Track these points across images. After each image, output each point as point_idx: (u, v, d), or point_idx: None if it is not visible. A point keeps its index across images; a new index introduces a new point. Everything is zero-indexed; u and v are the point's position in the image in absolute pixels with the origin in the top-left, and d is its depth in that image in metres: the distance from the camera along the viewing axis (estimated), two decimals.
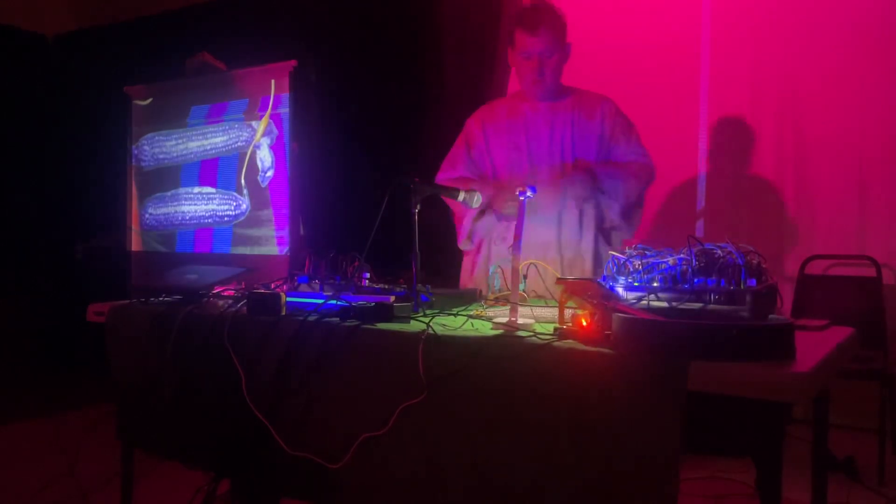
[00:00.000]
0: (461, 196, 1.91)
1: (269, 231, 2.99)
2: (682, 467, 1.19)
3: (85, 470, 2.95)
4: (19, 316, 5.26)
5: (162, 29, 5.06)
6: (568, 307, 1.44)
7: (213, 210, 3.23)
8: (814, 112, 3.46)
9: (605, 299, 1.35)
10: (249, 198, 3.08)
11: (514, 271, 1.54)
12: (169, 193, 3.42)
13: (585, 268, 2.35)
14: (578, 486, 1.26)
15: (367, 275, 1.84)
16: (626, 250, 1.52)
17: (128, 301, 2.08)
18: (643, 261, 1.45)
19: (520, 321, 1.49)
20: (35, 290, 5.40)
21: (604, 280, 1.48)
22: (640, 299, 1.41)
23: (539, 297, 1.82)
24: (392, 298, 1.66)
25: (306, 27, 4.42)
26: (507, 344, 1.39)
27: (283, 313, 1.72)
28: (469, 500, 1.39)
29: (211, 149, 3.26)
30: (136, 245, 3.54)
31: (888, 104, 3.30)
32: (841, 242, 3.40)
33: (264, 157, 3.03)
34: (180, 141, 3.39)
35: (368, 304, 1.62)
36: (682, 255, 1.38)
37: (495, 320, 1.53)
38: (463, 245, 2.53)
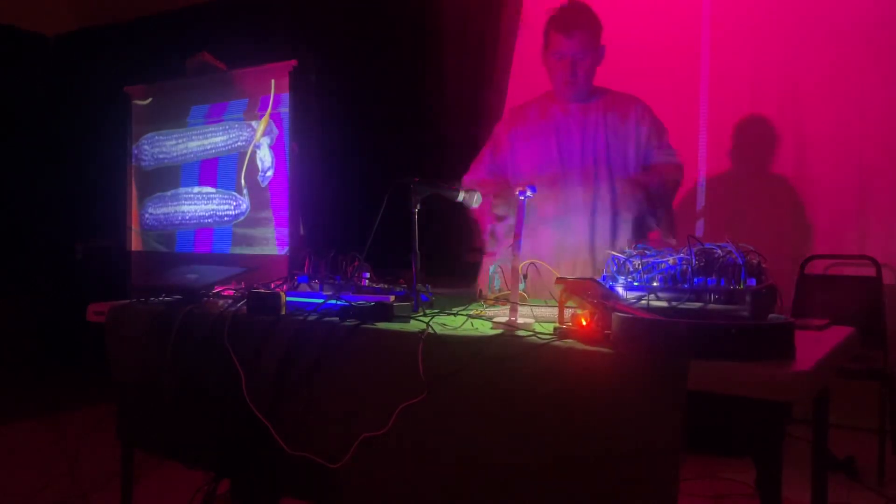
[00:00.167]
0: (461, 196, 1.91)
1: (269, 231, 2.99)
2: (682, 467, 1.19)
3: (85, 470, 2.95)
4: (19, 316, 5.27)
5: (162, 29, 5.06)
6: (568, 307, 1.44)
7: (213, 210, 3.23)
8: (814, 112, 3.46)
9: (604, 299, 1.35)
10: (249, 198, 3.08)
11: (514, 271, 1.54)
12: (169, 193, 3.42)
13: None
14: (578, 486, 1.26)
15: (367, 274, 1.84)
16: (626, 250, 1.52)
17: (128, 301, 2.08)
18: (643, 260, 1.45)
19: (519, 321, 1.49)
20: (35, 290, 5.40)
21: (603, 279, 1.48)
22: (639, 299, 1.41)
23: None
24: (392, 298, 1.66)
25: (306, 27, 4.42)
26: (507, 343, 1.39)
27: (283, 313, 1.72)
28: (469, 500, 1.39)
29: (211, 148, 3.26)
30: (136, 245, 3.55)
31: (888, 104, 3.30)
32: (841, 242, 3.40)
33: (264, 156, 3.03)
34: (180, 141, 3.39)
35: (368, 304, 1.62)
36: (681, 255, 1.38)
37: (495, 320, 1.53)
38: (489, 247, 2.53)
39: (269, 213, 3.01)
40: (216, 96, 3.24)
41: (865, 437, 2.97)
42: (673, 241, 2.33)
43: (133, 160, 3.56)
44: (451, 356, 1.40)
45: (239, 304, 1.82)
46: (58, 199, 5.54)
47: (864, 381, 2.89)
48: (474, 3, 4.04)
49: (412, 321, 1.60)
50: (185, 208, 3.35)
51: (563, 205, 2.36)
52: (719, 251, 1.36)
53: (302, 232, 2.91)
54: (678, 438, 1.16)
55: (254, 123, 3.08)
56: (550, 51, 2.33)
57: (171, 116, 3.41)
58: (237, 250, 3.10)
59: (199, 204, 3.29)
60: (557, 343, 1.33)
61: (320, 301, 1.71)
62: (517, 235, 1.58)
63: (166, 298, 2.04)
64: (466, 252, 4.27)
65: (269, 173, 3.01)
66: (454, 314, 1.65)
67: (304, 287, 1.88)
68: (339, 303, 1.66)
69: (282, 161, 2.98)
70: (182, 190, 3.37)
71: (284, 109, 2.98)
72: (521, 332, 1.43)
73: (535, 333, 1.40)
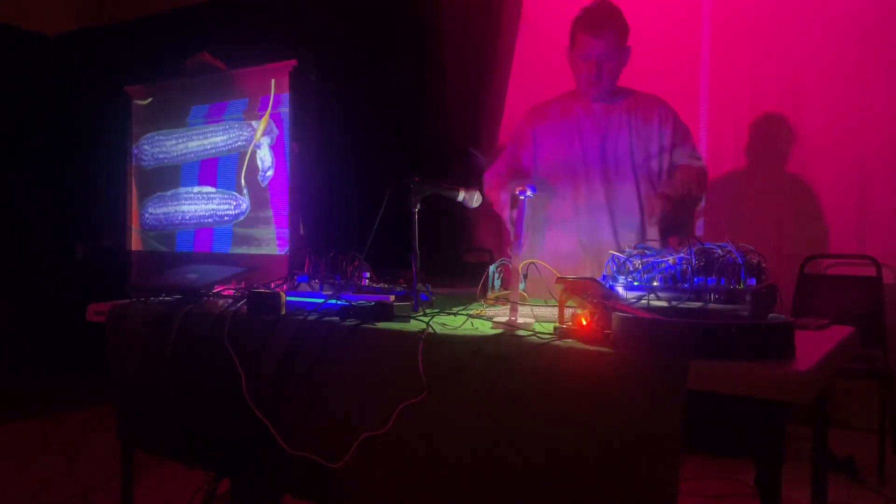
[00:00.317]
0: (461, 196, 1.91)
1: (269, 231, 2.99)
2: (682, 467, 1.18)
3: (85, 470, 2.95)
4: (19, 316, 5.27)
5: (162, 29, 5.06)
6: (568, 306, 1.44)
7: (213, 210, 3.23)
8: (814, 112, 3.46)
9: (604, 298, 1.35)
10: (249, 197, 3.08)
11: (514, 271, 1.54)
12: (169, 193, 3.42)
13: None
14: (578, 486, 1.26)
15: (367, 274, 1.84)
16: (626, 249, 1.52)
17: (128, 301, 2.08)
18: (643, 260, 1.45)
19: (520, 320, 1.49)
20: (35, 289, 5.41)
21: (604, 279, 1.48)
22: (640, 298, 1.41)
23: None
24: (392, 298, 1.66)
25: (306, 27, 4.41)
26: (507, 343, 1.39)
27: (283, 313, 1.72)
28: (469, 499, 1.39)
29: (211, 148, 3.26)
30: (136, 245, 3.55)
31: (888, 104, 3.30)
32: (841, 242, 3.40)
33: (264, 156, 3.03)
34: (180, 140, 3.39)
35: (368, 304, 1.62)
36: (682, 255, 1.38)
37: (495, 319, 1.53)
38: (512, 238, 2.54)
39: (269, 213, 3.01)
40: (216, 96, 3.24)
41: (865, 437, 2.97)
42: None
43: (133, 160, 3.56)
44: (452, 356, 1.40)
45: (239, 304, 1.82)
46: (58, 199, 5.54)
47: (864, 381, 2.89)
48: (474, 3, 4.04)
49: (412, 321, 1.60)
50: (185, 208, 3.35)
51: (585, 204, 2.37)
52: (719, 251, 1.36)
53: (302, 232, 2.91)
54: (678, 438, 1.16)
55: (254, 123, 3.08)
56: (576, 51, 2.33)
57: (171, 116, 3.41)
58: (237, 250, 3.10)
59: (199, 204, 3.29)
60: (557, 343, 1.33)
61: (320, 301, 1.71)
62: (517, 235, 1.58)
63: (166, 298, 2.04)
64: (466, 252, 4.27)
65: (269, 173, 3.01)
66: (454, 314, 1.65)
67: (304, 287, 1.88)
68: (339, 302, 1.66)
69: (282, 161, 2.98)
70: (182, 190, 3.37)
71: (284, 109, 2.98)
72: (521, 332, 1.43)
73: (536, 333, 1.40)
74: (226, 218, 3.17)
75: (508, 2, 4.00)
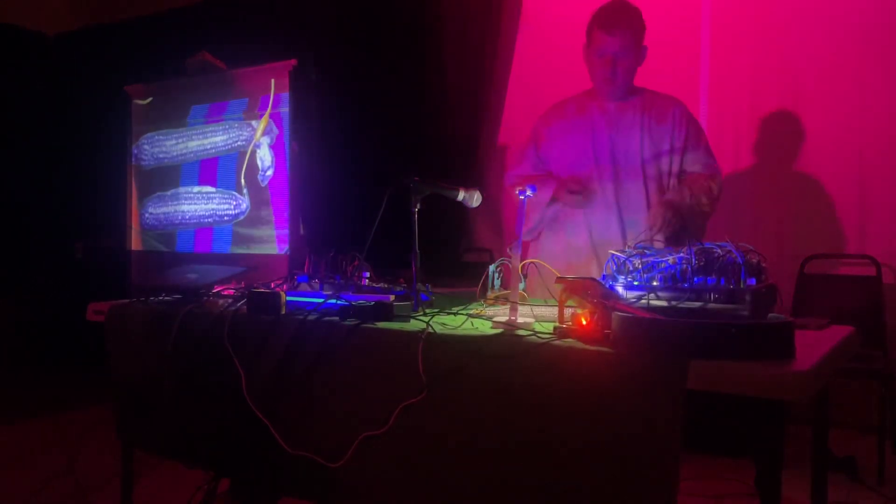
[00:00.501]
0: (461, 195, 1.91)
1: (269, 230, 2.99)
2: (682, 467, 1.19)
3: (85, 470, 2.95)
4: (19, 315, 5.26)
5: (162, 29, 5.06)
6: (568, 306, 1.44)
7: (213, 209, 3.23)
8: (814, 111, 3.46)
9: (604, 298, 1.35)
10: (249, 197, 3.08)
11: (514, 270, 1.54)
12: (169, 193, 3.42)
13: None
14: (578, 485, 1.26)
15: (367, 274, 1.84)
16: (626, 249, 1.52)
17: (128, 300, 2.08)
18: (643, 260, 1.45)
19: (519, 320, 1.49)
20: (35, 289, 5.40)
21: (603, 279, 1.48)
22: (639, 298, 1.41)
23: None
24: (392, 297, 1.66)
25: (306, 26, 4.42)
26: (507, 343, 1.39)
27: (283, 312, 1.72)
28: (469, 499, 1.39)
29: (211, 148, 3.26)
30: (136, 244, 3.55)
31: (888, 103, 3.30)
32: (841, 242, 3.40)
33: (264, 156, 3.03)
34: (180, 140, 3.39)
35: (368, 304, 1.62)
36: (681, 255, 1.39)
37: (495, 319, 1.53)
38: (525, 236, 2.55)
39: (269, 213, 3.01)
40: (216, 96, 3.24)
41: (865, 437, 2.97)
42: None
43: (133, 160, 3.56)
44: (452, 355, 1.40)
45: (239, 304, 1.82)
46: (58, 199, 5.53)
47: (864, 380, 2.89)
48: (474, 3, 4.04)
49: (412, 320, 1.60)
50: (185, 208, 3.35)
51: (598, 202, 2.38)
52: (719, 250, 1.36)
53: (302, 231, 2.91)
54: (678, 438, 1.16)
55: (254, 123, 3.08)
56: (592, 48, 2.34)
57: (171, 116, 3.41)
58: (237, 250, 3.09)
59: (199, 203, 3.29)
60: (557, 342, 1.33)
61: (320, 300, 1.71)
62: (518, 234, 1.58)
63: (166, 298, 2.04)
64: (466, 252, 4.28)
65: (269, 173, 3.01)
66: (454, 314, 1.65)
67: (304, 286, 1.88)
68: (339, 302, 1.66)
69: (282, 160, 2.97)
70: (182, 189, 3.37)
71: (284, 109, 2.98)
72: (520, 332, 1.43)
73: (535, 333, 1.41)
74: (226, 218, 3.17)
75: (508, 2, 4.00)
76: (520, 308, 1.54)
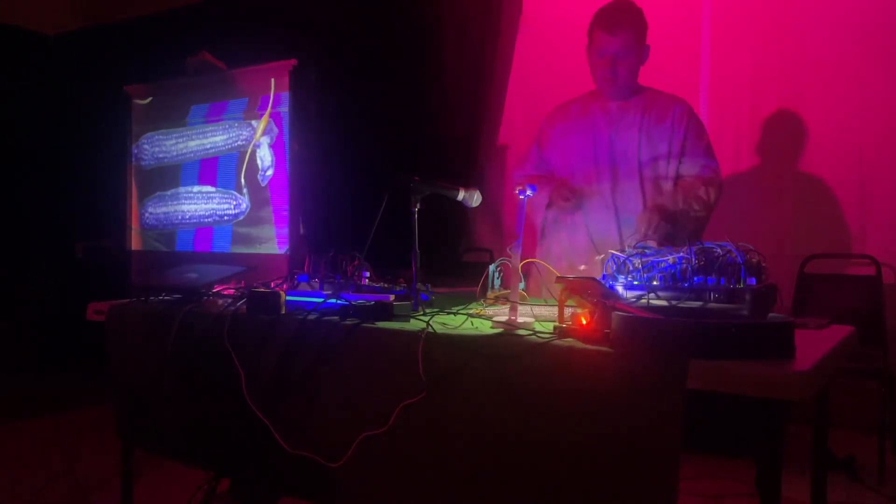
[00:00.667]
0: (461, 195, 1.91)
1: (269, 230, 2.98)
2: (682, 467, 1.18)
3: (85, 470, 2.95)
4: (20, 316, 5.26)
5: (162, 28, 5.06)
6: (568, 306, 1.44)
7: (212, 209, 3.23)
8: (814, 111, 3.46)
9: (604, 298, 1.35)
10: (249, 197, 3.08)
11: (514, 270, 1.54)
12: (169, 192, 3.42)
13: None
14: (578, 485, 1.26)
15: (367, 274, 1.84)
16: (626, 249, 1.52)
17: (128, 300, 2.08)
18: (643, 259, 1.44)
19: (519, 320, 1.49)
20: (35, 289, 5.40)
21: (603, 279, 1.48)
22: (639, 298, 1.41)
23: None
24: (392, 297, 1.66)
25: (306, 27, 4.41)
26: (507, 342, 1.39)
27: (283, 312, 1.71)
28: (469, 499, 1.39)
29: (211, 148, 3.26)
30: (135, 244, 3.54)
31: (888, 103, 3.30)
32: (841, 241, 3.40)
33: (264, 155, 3.03)
34: (180, 140, 3.38)
35: (368, 303, 1.62)
36: (681, 254, 1.38)
37: (495, 319, 1.53)
38: (540, 237, 2.56)
39: (269, 212, 3.01)
40: (216, 96, 3.24)
41: (865, 437, 2.97)
42: None
43: (133, 159, 3.56)
44: (452, 355, 1.40)
45: (239, 304, 1.82)
46: (58, 199, 5.54)
47: (864, 380, 2.89)
48: (474, 3, 4.04)
49: (412, 320, 1.60)
50: (184, 207, 3.35)
51: (595, 202, 2.38)
52: (719, 250, 1.36)
53: (302, 231, 2.90)
54: (678, 438, 1.16)
55: (254, 122, 3.08)
56: (593, 48, 2.34)
57: (170, 116, 3.41)
58: (237, 249, 3.09)
59: (199, 203, 3.29)
60: (557, 342, 1.33)
61: (320, 300, 1.71)
62: (518, 234, 1.58)
63: (166, 298, 2.04)
64: (466, 252, 4.28)
65: (269, 172, 3.01)
66: (454, 313, 1.65)
67: (303, 286, 1.88)
68: (338, 302, 1.66)
69: (282, 160, 2.97)
70: (182, 189, 3.37)
71: (284, 109, 2.98)
72: (520, 332, 1.43)
73: (535, 332, 1.40)
74: (226, 217, 3.17)
75: (508, 2, 4.00)
76: (520, 308, 1.54)
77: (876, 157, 3.34)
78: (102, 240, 5.01)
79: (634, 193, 2.36)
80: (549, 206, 2.45)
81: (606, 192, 2.38)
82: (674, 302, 1.37)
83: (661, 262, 1.40)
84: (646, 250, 1.47)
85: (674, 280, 1.38)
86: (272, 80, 3.00)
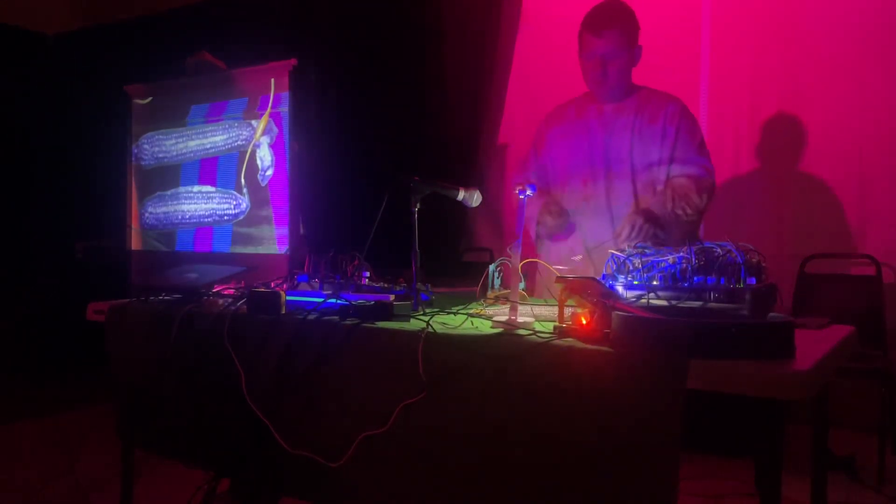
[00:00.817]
0: (460, 195, 1.91)
1: (269, 230, 2.98)
2: (682, 467, 1.18)
3: (85, 469, 2.95)
4: (20, 315, 5.26)
5: (162, 28, 5.06)
6: (568, 306, 1.44)
7: (212, 209, 3.22)
8: (813, 111, 3.46)
9: (604, 297, 1.35)
10: (249, 196, 3.08)
11: (514, 270, 1.54)
12: (169, 192, 3.42)
13: None
14: (578, 485, 1.26)
15: (367, 274, 1.84)
16: (626, 249, 1.52)
17: (128, 300, 2.08)
18: (643, 259, 1.44)
19: (519, 319, 1.49)
20: (35, 289, 5.40)
21: (603, 278, 1.48)
22: (639, 298, 1.41)
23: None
24: (392, 297, 1.66)
25: (306, 27, 4.42)
26: (507, 342, 1.39)
27: (283, 312, 1.72)
28: (469, 498, 1.39)
29: (210, 148, 3.26)
30: (135, 244, 3.54)
31: (888, 103, 3.30)
32: (841, 242, 3.40)
33: (264, 155, 3.03)
34: (180, 140, 3.38)
35: (368, 303, 1.62)
36: (681, 254, 1.38)
37: (495, 319, 1.53)
38: (537, 248, 2.56)
39: (269, 212, 3.00)
40: (216, 95, 3.23)
41: (865, 437, 2.97)
42: None
43: (133, 159, 3.55)
44: (452, 355, 1.40)
45: (239, 304, 1.82)
46: (58, 199, 5.53)
47: (864, 380, 2.89)
48: (474, 3, 4.04)
49: (412, 320, 1.60)
50: (185, 207, 3.35)
51: (589, 205, 2.38)
52: (719, 250, 1.36)
53: (302, 231, 2.90)
54: (678, 438, 1.16)
55: (253, 122, 3.08)
56: (582, 50, 2.33)
57: (170, 116, 3.40)
58: (237, 249, 3.09)
59: (199, 203, 3.29)
60: (557, 342, 1.33)
61: (320, 300, 1.71)
62: (517, 234, 1.58)
63: (166, 297, 2.04)
64: (466, 252, 4.28)
65: (269, 172, 3.01)
66: (454, 313, 1.65)
67: (303, 286, 1.88)
68: (338, 302, 1.66)
69: (282, 160, 2.97)
70: (182, 189, 3.37)
71: (284, 108, 2.97)
72: (521, 331, 1.43)
73: (535, 332, 1.40)
74: (225, 217, 3.17)
75: (508, 2, 4.00)
76: (520, 308, 1.54)
77: (876, 158, 3.34)
78: (102, 240, 5.00)
79: (627, 196, 2.35)
80: (538, 222, 2.45)
81: (601, 195, 2.38)
82: (674, 302, 1.37)
83: (661, 261, 1.40)
84: (645, 250, 1.47)
85: (674, 280, 1.38)
86: (272, 80, 3.00)
